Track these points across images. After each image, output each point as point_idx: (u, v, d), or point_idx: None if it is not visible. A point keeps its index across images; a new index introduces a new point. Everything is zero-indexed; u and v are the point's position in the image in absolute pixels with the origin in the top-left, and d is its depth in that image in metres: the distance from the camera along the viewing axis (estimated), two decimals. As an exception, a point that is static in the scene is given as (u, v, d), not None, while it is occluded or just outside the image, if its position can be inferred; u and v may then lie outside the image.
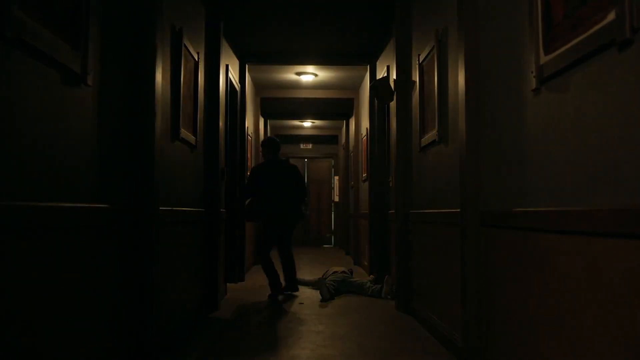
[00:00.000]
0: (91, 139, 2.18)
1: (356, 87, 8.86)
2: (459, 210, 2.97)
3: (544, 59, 2.00)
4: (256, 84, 8.76)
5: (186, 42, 3.70)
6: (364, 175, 8.15)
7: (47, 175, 1.80)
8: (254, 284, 6.42)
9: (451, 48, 3.35)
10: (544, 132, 2.04)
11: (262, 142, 5.81)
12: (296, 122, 11.97)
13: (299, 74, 7.96)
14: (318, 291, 5.65)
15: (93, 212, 2.15)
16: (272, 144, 5.64)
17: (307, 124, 12.11)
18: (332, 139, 13.81)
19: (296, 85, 8.81)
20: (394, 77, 4.87)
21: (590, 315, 1.68)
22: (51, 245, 1.81)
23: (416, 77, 4.30)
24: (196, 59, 4.07)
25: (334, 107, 10.27)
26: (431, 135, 3.73)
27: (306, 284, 6.22)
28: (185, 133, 3.69)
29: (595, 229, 1.64)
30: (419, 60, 4.17)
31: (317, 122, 11.97)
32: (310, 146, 14.26)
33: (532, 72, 2.09)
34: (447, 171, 3.41)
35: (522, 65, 2.23)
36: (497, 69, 2.54)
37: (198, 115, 4.12)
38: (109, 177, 2.39)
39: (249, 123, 7.88)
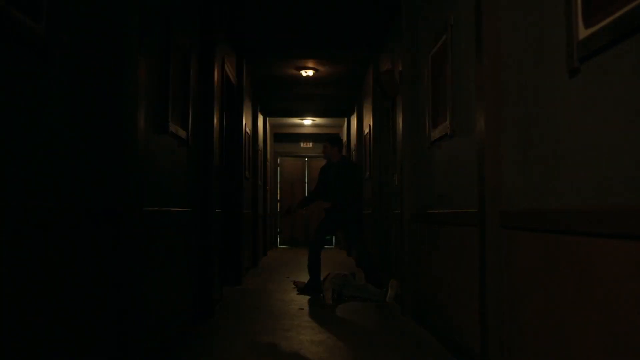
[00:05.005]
0: (59, 127, 1.89)
1: (358, 82, 8.57)
2: (474, 210, 2.69)
3: (584, 33, 1.71)
4: (254, 80, 8.48)
5: (177, 29, 3.41)
6: (366, 173, 7.87)
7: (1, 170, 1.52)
8: (252, 287, 6.14)
9: (465, 33, 3.07)
10: (584, 118, 1.75)
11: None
12: (296, 120, 11.69)
13: (298, 69, 7.68)
14: (319, 295, 5.36)
15: (61, 213, 1.86)
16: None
17: (308, 121, 11.83)
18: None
19: (296, 81, 8.52)
20: (400, 69, 4.59)
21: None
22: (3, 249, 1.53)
23: (425, 68, 4.01)
24: (188, 49, 3.78)
25: (335, 103, 9.99)
26: (442, 128, 3.44)
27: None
28: (174, 127, 3.40)
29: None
30: (428, 49, 3.88)
31: (318, 120, 11.70)
32: (310, 145, 13.98)
33: (569, 50, 1.80)
34: (460, 167, 3.12)
35: (554, 44, 1.94)
36: (521, 51, 2.25)
37: (190, 109, 3.83)
38: (84, 173, 2.10)
39: (246, 120, 7.58)
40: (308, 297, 5.43)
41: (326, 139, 5.86)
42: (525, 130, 2.21)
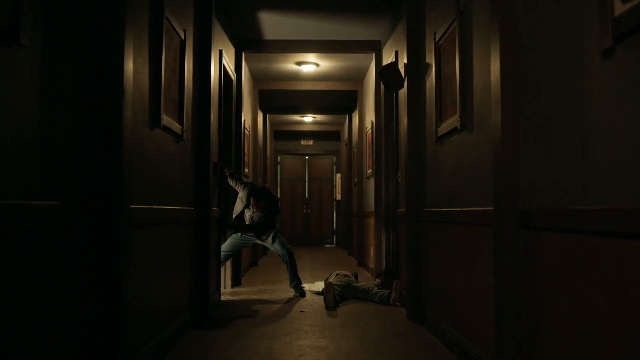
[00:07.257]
0: (31, 117, 1.70)
1: (360, 78, 8.38)
2: (487, 208, 2.50)
3: (620, 8, 1.52)
4: (254, 75, 8.27)
5: (169, 15, 3.22)
6: (368, 171, 7.67)
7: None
8: (252, 288, 5.95)
9: (477, 19, 2.87)
10: (619, 105, 1.56)
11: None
12: (297, 117, 11.51)
13: (299, 63, 7.47)
14: (321, 296, 5.17)
15: (29, 211, 1.66)
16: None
17: (308, 119, 11.64)
18: (334, 135, 13.33)
19: (296, 77, 8.32)
20: (405, 61, 4.40)
21: None
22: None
23: (431, 59, 3.82)
24: (182, 38, 3.58)
25: (336, 100, 9.78)
26: (451, 122, 3.24)
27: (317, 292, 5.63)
28: (168, 120, 3.21)
29: None
30: (434, 39, 3.69)
31: (319, 117, 11.51)
32: (311, 142, 13.79)
33: (602, 29, 1.61)
34: (471, 162, 2.93)
35: (582, 23, 1.75)
36: (543, 33, 2.06)
37: (185, 102, 3.63)
38: (62, 168, 1.91)
39: (245, 116, 7.39)
40: (309, 299, 5.24)
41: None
42: (548, 120, 2.01)
